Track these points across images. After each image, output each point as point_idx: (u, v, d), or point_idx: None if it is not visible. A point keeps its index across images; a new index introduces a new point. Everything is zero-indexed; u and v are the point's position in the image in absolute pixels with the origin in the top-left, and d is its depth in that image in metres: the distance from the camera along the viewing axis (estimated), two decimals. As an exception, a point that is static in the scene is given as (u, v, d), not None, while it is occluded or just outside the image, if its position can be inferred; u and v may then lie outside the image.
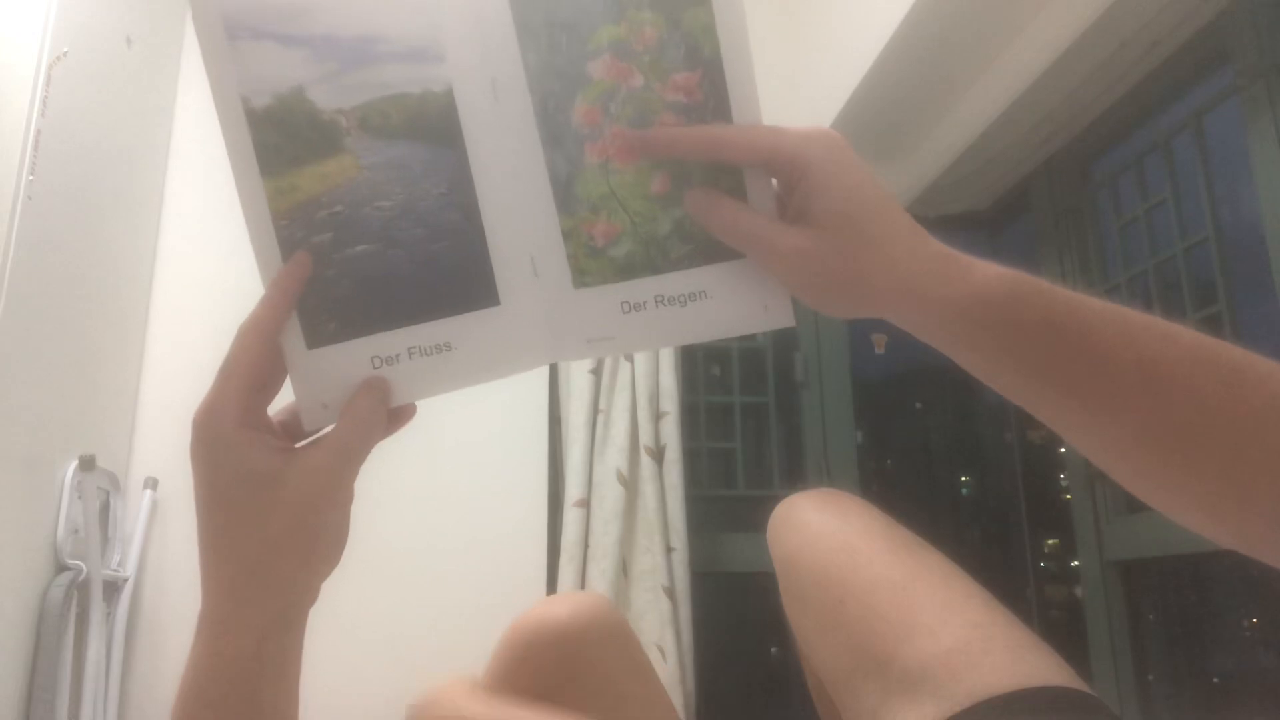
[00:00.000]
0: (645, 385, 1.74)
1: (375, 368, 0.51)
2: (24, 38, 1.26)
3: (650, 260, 0.52)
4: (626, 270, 0.52)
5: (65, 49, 1.31)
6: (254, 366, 0.49)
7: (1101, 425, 0.46)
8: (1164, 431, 0.44)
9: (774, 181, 0.53)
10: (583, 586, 1.65)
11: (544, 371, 1.79)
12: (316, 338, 0.51)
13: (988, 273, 0.47)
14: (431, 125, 0.51)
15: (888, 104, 1.68)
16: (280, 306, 0.50)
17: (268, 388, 0.51)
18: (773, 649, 2.04)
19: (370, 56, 0.51)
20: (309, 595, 0.49)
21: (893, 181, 1.95)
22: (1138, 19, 1.41)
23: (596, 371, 1.74)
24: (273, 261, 0.50)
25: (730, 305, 0.52)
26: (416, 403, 0.53)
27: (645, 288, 0.52)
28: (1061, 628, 1.97)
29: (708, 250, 0.52)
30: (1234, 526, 0.45)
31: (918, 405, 2.36)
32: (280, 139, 0.50)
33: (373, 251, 0.51)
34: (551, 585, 1.67)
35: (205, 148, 1.71)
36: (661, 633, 1.61)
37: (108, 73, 1.48)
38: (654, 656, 1.60)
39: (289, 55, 0.50)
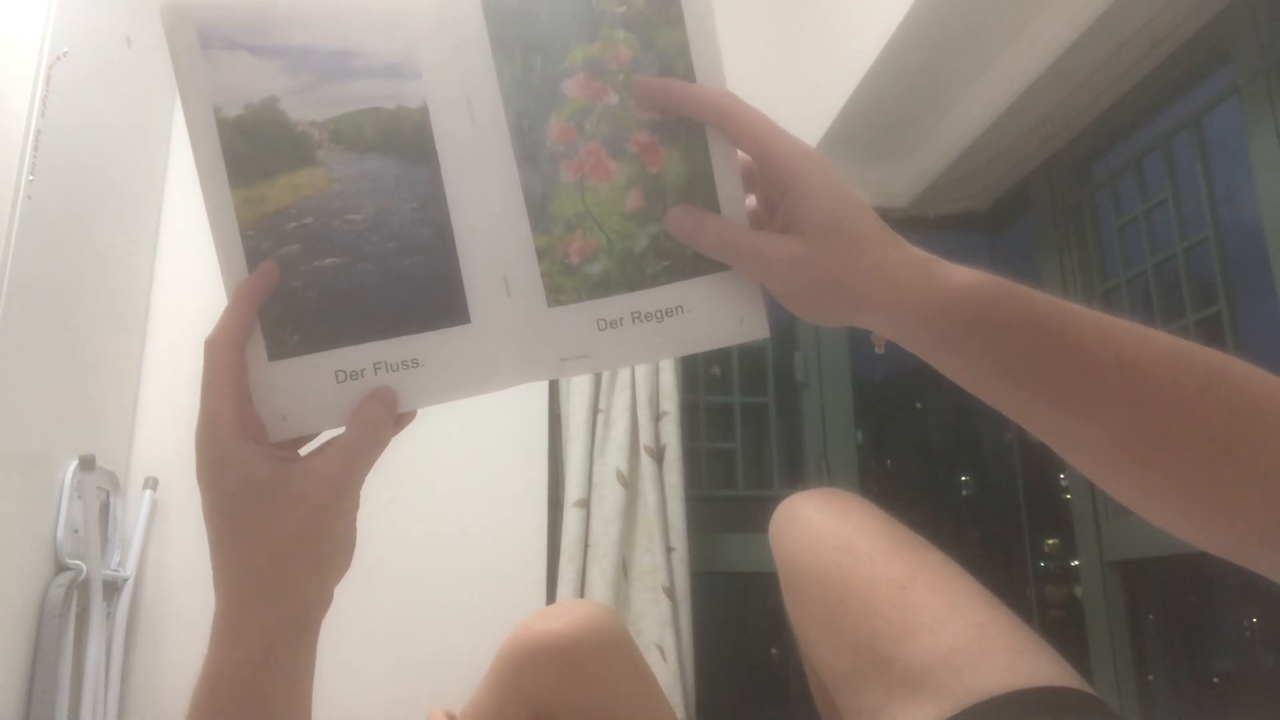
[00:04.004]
0: (645, 385, 1.74)
1: (339, 382, 0.50)
2: (24, 38, 1.26)
3: (626, 277, 0.52)
4: (602, 287, 0.52)
5: (65, 49, 1.30)
6: (236, 378, 0.48)
7: (1082, 427, 0.46)
8: (1144, 433, 0.45)
9: (751, 198, 0.54)
10: (583, 586, 1.65)
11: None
12: (279, 349, 0.50)
13: (969, 275, 0.48)
14: (406, 140, 0.51)
15: (888, 104, 1.68)
16: (246, 316, 0.49)
17: None
18: (773, 649, 2.04)
19: (346, 70, 0.51)
20: (320, 601, 0.49)
21: (893, 181, 1.95)
22: (1138, 19, 1.42)
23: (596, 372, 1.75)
24: (238, 271, 0.50)
25: (706, 319, 0.52)
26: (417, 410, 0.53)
27: (621, 304, 0.52)
28: (1061, 628, 1.97)
29: (684, 265, 0.52)
30: (1218, 530, 0.45)
31: (918, 405, 2.36)
32: (251, 149, 0.50)
33: (341, 264, 0.50)
34: (551, 585, 1.67)
35: (205, 148, 1.71)
36: (661, 633, 1.61)
37: (108, 73, 1.48)
38: (654, 657, 1.60)
39: (263, 66, 0.50)
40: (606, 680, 0.97)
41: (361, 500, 0.50)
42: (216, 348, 0.49)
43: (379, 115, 0.51)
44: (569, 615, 0.98)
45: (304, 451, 0.51)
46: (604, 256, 0.52)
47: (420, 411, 0.53)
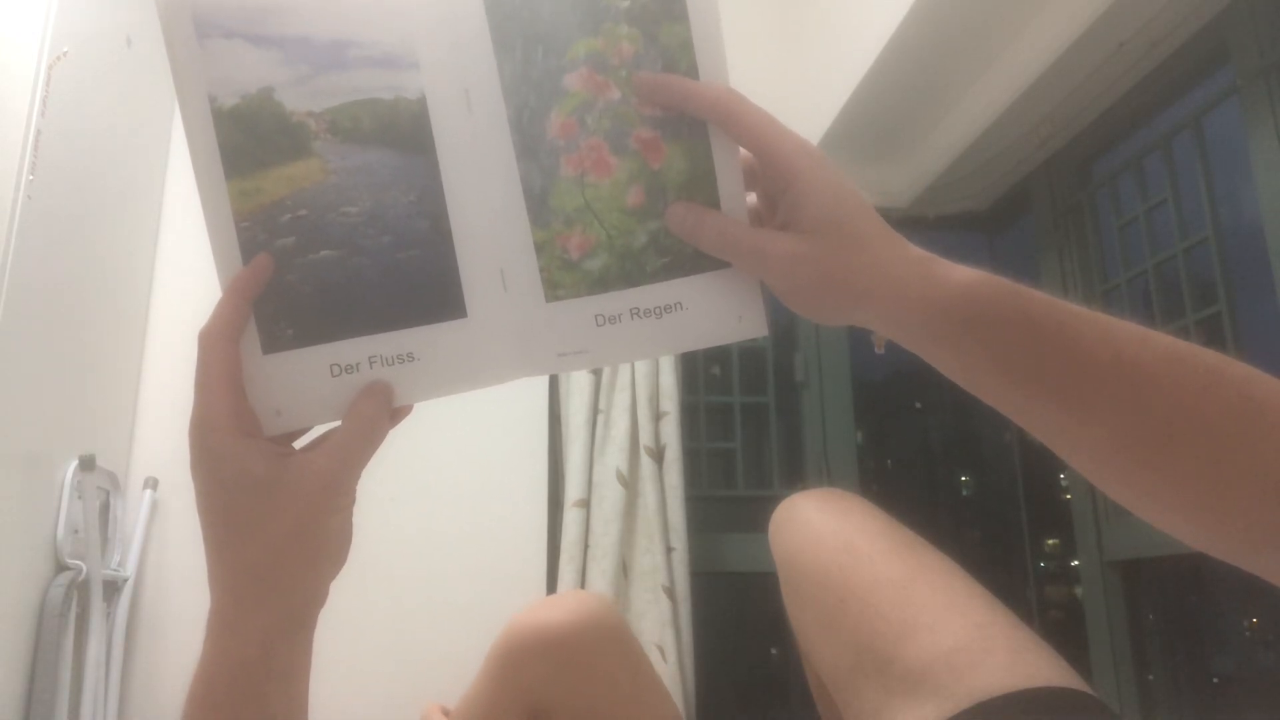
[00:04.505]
0: (645, 385, 1.74)
1: (334, 376, 0.50)
2: (24, 38, 1.25)
3: (626, 273, 0.52)
4: (601, 283, 0.52)
5: (65, 49, 1.30)
6: (230, 372, 0.48)
7: (1080, 427, 0.46)
8: (1142, 434, 0.45)
9: (751, 195, 0.54)
10: (583, 586, 1.64)
11: (544, 371, 1.78)
12: (273, 343, 0.50)
13: (967, 273, 0.48)
14: (403, 132, 0.51)
15: (888, 104, 1.68)
16: (241, 309, 0.49)
17: None
18: (773, 649, 2.04)
19: (343, 61, 0.50)
20: (316, 598, 0.49)
21: (893, 181, 1.95)
22: (1138, 19, 1.41)
23: (596, 371, 1.74)
24: (232, 264, 0.50)
25: (705, 316, 0.52)
26: (414, 404, 0.53)
27: (620, 300, 0.52)
28: (1061, 628, 1.97)
29: (684, 262, 0.52)
30: (1216, 532, 0.45)
31: (918, 405, 2.36)
32: (246, 140, 0.50)
33: (336, 258, 0.50)
34: (551, 585, 1.67)
35: (205, 148, 1.71)
36: (661, 633, 1.61)
37: (108, 73, 1.48)
38: (654, 656, 1.60)
39: (260, 56, 0.50)
40: (603, 671, 0.96)
41: (361, 499, 0.50)
42: (210, 340, 0.48)
43: (376, 106, 0.51)
44: (563, 606, 0.97)
45: (299, 446, 0.51)
46: (603, 252, 0.52)
47: (419, 410, 0.53)
